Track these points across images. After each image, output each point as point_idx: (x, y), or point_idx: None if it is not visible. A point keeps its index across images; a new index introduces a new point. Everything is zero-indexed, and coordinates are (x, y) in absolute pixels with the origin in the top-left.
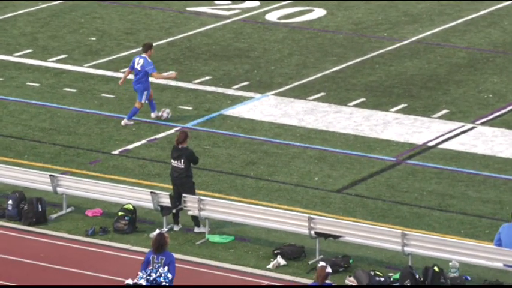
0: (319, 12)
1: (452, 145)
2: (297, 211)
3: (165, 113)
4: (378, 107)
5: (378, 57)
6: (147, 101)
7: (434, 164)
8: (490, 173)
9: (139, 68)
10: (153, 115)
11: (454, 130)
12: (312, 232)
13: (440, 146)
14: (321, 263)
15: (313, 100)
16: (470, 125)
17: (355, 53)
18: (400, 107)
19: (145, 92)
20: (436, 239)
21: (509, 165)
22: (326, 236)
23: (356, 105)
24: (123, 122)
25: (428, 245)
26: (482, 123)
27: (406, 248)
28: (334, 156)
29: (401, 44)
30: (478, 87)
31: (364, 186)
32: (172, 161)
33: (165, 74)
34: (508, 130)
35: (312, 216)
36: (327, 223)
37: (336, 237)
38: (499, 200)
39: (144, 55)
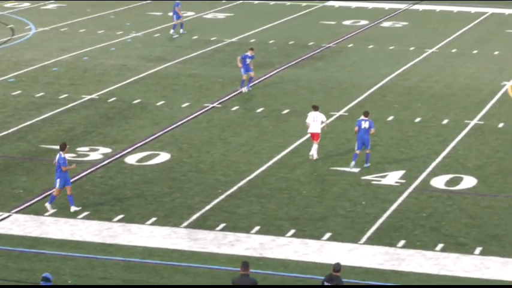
0: None
1: None
2: None
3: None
4: None
5: None
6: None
7: None
8: (24, 249)
9: (55, 162)
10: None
11: None
12: None
13: None
14: None
15: None
16: (7, 214)
17: None
18: None
19: (58, 180)
20: None
21: (37, 242)
22: None
23: None
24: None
25: None
26: (16, 212)
27: None
28: None
29: None
30: (11, 185)
31: None
32: None
33: (69, 167)
34: (37, 216)
35: None
36: None
37: None
38: (31, 269)
39: (61, 152)
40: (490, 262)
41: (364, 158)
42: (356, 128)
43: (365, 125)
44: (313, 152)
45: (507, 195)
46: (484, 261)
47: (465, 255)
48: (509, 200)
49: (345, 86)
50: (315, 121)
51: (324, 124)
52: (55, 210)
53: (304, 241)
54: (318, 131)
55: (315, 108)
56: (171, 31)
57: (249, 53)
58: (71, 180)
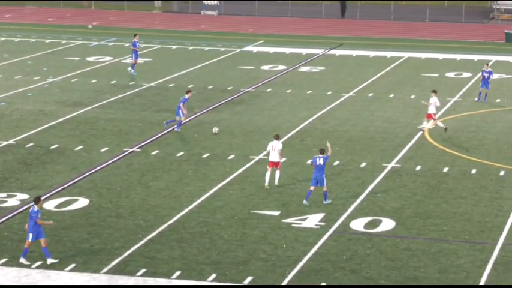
0: None
1: None
2: None
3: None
4: None
5: None
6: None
7: None
8: None
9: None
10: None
11: None
12: None
13: None
14: None
15: None
16: None
17: None
18: None
19: (30, 234)
20: None
21: None
22: None
23: None
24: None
25: None
26: None
27: None
28: None
29: None
30: None
31: None
32: None
33: (45, 222)
34: None
35: None
36: None
37: None
38: None
39: (34, 206)
40: None
41: (322, 195)
42: (310, 163)
43: (319, 161)
44: (267, 178)
45: (426, 237)
46: None
47: None
48: (427, 243)
49: (264, 130)
50: (274, 150)
51: (278, 154)
52: (29, 263)
53: (225, 286)
54: (277, 159)
55: (276, 137)
56: (131, 70)
57: (187, 96)
58: None
